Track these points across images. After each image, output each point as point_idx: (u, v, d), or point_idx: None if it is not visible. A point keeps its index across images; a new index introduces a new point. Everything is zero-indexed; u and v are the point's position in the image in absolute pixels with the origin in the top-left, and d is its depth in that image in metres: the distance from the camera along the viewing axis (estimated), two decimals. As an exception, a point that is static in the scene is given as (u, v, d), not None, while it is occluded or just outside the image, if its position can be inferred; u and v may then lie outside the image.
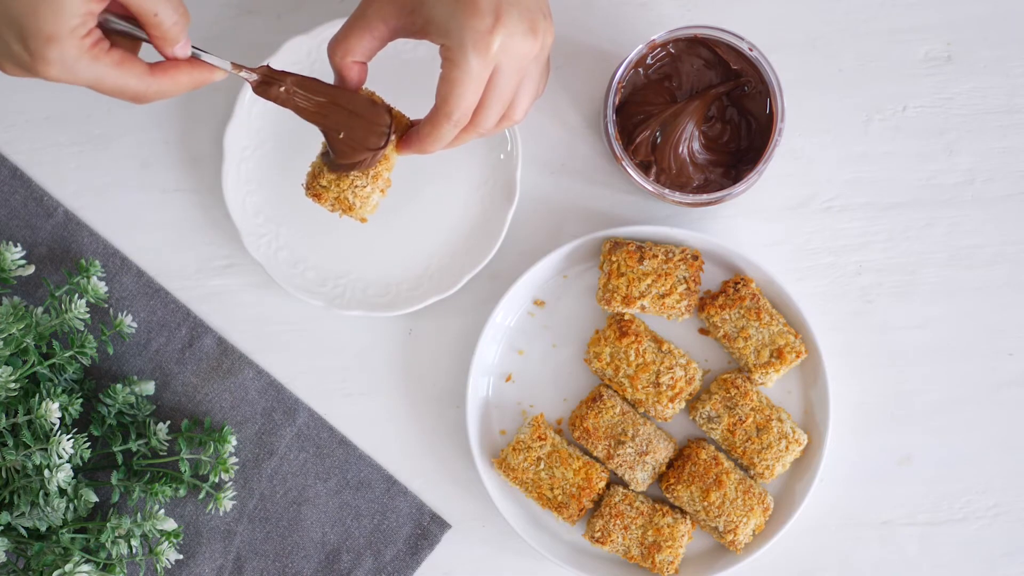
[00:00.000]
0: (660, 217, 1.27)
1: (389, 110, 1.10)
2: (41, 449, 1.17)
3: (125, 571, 1.21)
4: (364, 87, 1.10)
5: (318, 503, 1.28)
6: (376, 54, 1.08)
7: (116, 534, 1.20)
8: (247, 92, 1.25)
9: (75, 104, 1.28)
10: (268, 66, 1.08)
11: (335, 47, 1.07)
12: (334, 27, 1.24)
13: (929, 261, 1.27)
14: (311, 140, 1.26)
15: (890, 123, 1.27)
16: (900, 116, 1.27)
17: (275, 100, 1.08)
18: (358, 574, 1.28)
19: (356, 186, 1.10)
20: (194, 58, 1.04)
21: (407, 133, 1.10)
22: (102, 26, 1.01)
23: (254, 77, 1.07)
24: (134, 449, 1.24)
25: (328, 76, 1.19)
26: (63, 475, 1.16)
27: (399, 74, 1.24)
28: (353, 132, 1.09)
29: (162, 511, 1.23)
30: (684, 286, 1.22)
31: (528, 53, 1.05)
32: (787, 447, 1.23)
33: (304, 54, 1.25)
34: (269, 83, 1.07)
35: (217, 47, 1.27)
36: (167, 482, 1.24)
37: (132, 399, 1.24)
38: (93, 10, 0.98)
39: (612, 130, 1.19)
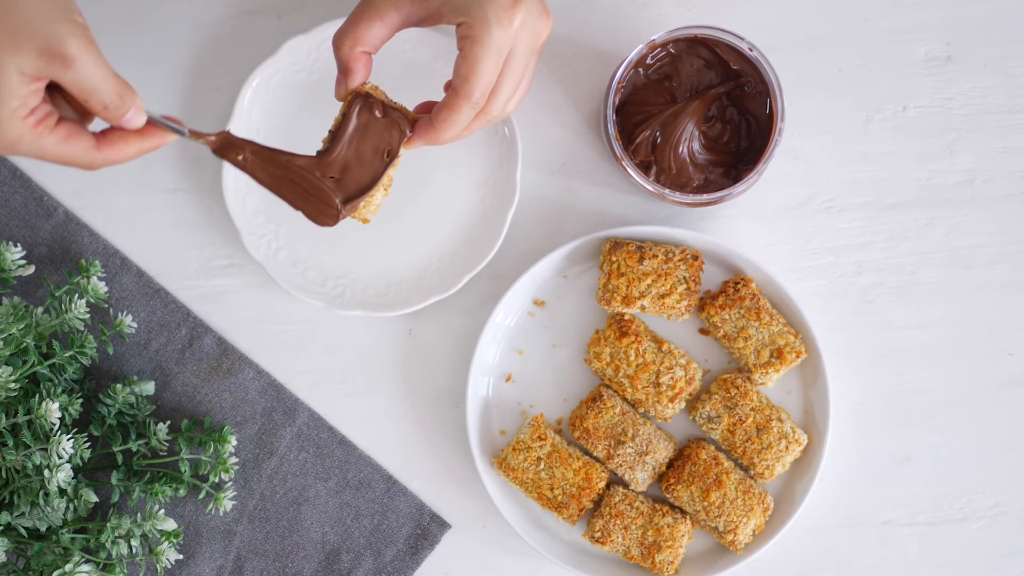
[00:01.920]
0: (660, 217, 1.27)
1: (398, 110, 1.09)
2: (41, 449, 1.17)
3: (125, 571, 1.21)
4: (368, 82, 1.09)
5: (318, 503, 1.28)
6: (384, 44, 1.07)
7: (116, 534, 1.20)
8: (247, 93, 1.25)
9: (75, 104, 1.28)
10: (228, 132, 1.07)
11: (342, 37, 1.06)
12: (334, 27, 1.24)
13: (929, 261, 1.27)
14: (311, 140, 1.26)
15: (890, 123, 1.27)
16: (900, 116, 1.27)
17: (234, 165, 1.07)
18: (358, 574, 1.28)
19: None
20: (148, 124, 1.02)
21: (417, 125, 1.08)
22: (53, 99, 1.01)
23: (213, 140, 1.06)
24: (134, 449, 1.24)
25: (328, 74, 1.19)
26: (63, 475, 1.16)
27: (400, 74, 1.24)
28: (306, 209, 1.08)
29: (162, 511, 1.23)
30: (684, 286, 1.22)
31: (542, 33, 1.05)
32: (787, 447, 1.23)
33: (304, 54, 1.25)
34: (227, 148, 1.06)
35: (217, 47, 1.27)
36: (167, 482, 1.24)
37: (132, 399, 1.24)
38: (37, 89, 0.97)
39: (612, 130, 1.19)
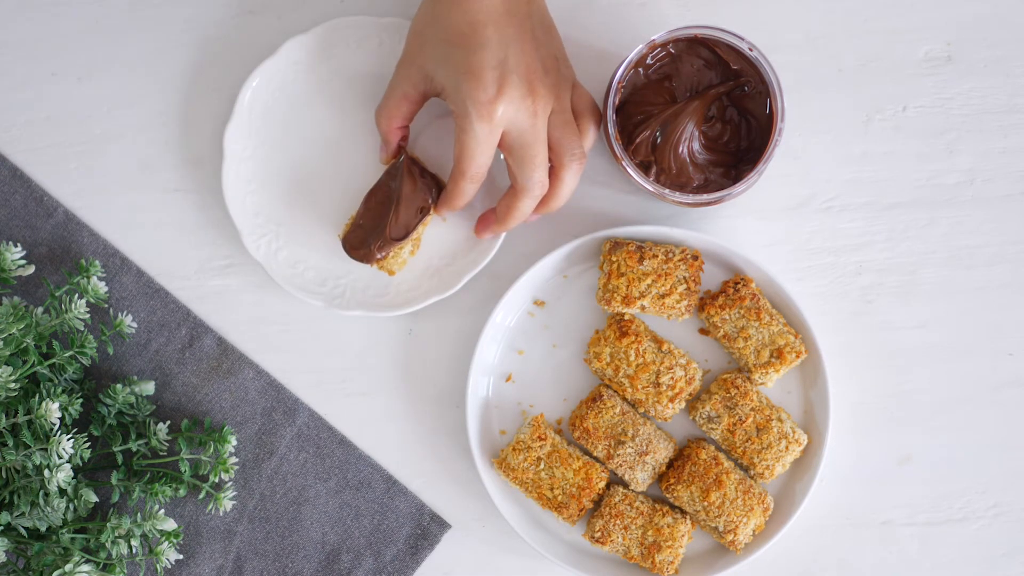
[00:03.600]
0: (660, 217, 1.27)
1: (432, 176, 1.22)
2: (41, 449, 1.17)
3: (125, 571, 1.21)
4: (409, 149, 1.23)
5: (318, 503, 1.28)
6: (415, 115, 1.21)
7: (116, 534, 1.20)
8: (247, 92, 1.25)
9: (75, 104, 1.28)
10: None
11: (380, 116, 1.20)
12: (334, 27, 1.24)
13: (929, 261, 1.27)
14: (311, 140, 1.27)
15: (890, 123, 1.27)
16: (900, 116, 1.27)
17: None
18: (358, 574, 1.28)
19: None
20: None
21: (437, 203, 1.21)
22: None
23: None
24: (134, 449, 1.24)
25: (328, 74, 1.19)
26: (63, 475, 1.16)
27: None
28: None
29: (162, 511, 1.23)
30: (684, 286, 1.22)
31: (529, 114, 1.14)
32: (787, 447, 1.23)
33: (304, 54, 1.25)
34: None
35: (217, 47, 1.27)
36: (167, 482, 1.24)
37: (132, 399, 1.24)
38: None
39: (612, 130, 1.19)
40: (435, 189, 1.21)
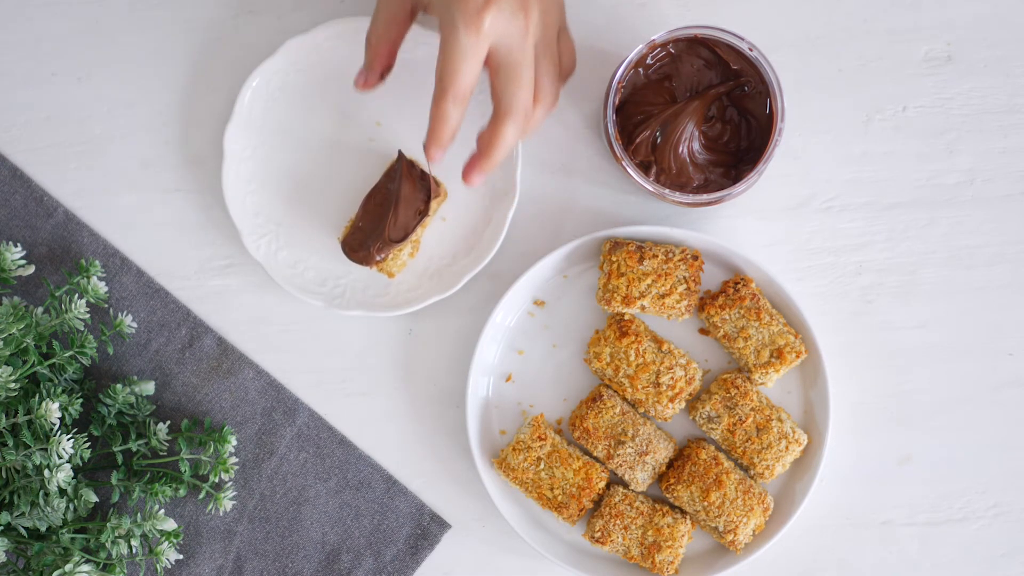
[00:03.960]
0: (660, 217, 1.27)
1: (432, 179, 1.20)
2: (41, 449, 1.17)
3: (125, 571, 1.21)
4: (405, 154, 1.21)
5: (318, 503, 1.28)
6: (404, 37, 1.15)
7: (116, 534, 1.20)
8: (247, 93, 1.25)
9: (75, 104, 1.28)
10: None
11: (370, 38, 1.14)
12: (334, 27, 1.24)
13: (929, 261, 1.27)
14: (310, 140, 1.27)
15: (890, 123, 1.27)
16: (900, 116, 1.27)
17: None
18: (358, 574, 1.28)
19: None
20: None
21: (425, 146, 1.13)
22: None
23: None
24: (134, 449, 1.24)
25: (328, 75, 1.19)
26: (63, 475, 1.16)
27: (400, 73, 1.24)
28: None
29: (162, 511, 1.23)
30: (684, 286, 1.22)
31: (519, 30, 1.07)
32: (787, 447, 1.23)
33: (304, 54, 1.25)
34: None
35: (217, 47, 1.27)
36: (167, 482, 1.24)
37: (132, 399, 1.24)
38: None
39: (612, 130, 1.19)
40: (434, 190, 1.21)
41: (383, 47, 1.14)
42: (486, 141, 1.11)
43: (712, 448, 1.24)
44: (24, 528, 1.20)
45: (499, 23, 1.06)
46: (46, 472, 1.16)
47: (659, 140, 1.21)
